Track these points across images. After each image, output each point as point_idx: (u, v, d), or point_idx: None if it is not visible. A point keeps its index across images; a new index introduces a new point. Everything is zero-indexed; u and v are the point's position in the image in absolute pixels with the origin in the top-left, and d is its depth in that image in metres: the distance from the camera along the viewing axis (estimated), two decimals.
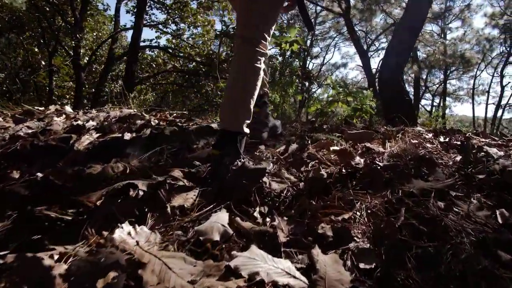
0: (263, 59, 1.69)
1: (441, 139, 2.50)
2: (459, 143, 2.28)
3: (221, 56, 12.43)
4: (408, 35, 6.99)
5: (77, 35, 11.43)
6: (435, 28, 17.96)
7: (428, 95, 22.22)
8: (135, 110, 3.25)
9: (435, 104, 21.79)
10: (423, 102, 20.89)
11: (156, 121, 2.72)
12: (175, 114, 3.37)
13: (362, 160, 1.67)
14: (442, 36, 16.71)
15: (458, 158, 1.86)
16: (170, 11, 14.52)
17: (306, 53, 16.72)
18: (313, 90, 18.16)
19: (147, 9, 15.05)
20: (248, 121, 1.67)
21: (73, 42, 12.06)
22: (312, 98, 6.68)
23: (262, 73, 1.70)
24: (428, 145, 2.24)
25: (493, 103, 18.86)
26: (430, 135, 2.76)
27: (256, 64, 1.65)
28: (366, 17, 13.53)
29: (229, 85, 1.70)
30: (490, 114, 19.09)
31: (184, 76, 14.49)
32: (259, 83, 1.70)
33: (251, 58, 1.65)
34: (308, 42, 17.95)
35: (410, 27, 6.98)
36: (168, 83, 14.90)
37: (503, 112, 17.60)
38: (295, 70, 13.34)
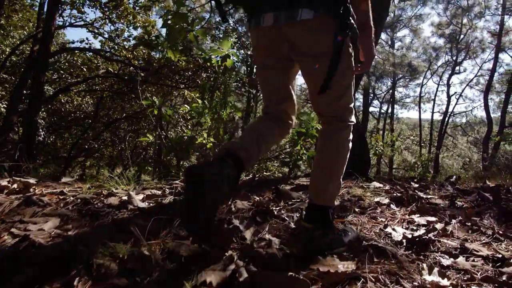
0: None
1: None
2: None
3: (161, 60, 11.38)
4: None
5: None
6: (383, 37, 17.92)
7: (376, 102, 22.38)
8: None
9: (382, 111, 21.99)
10: (371, 109, 20.96)
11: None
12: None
13: None
14: (390, 44, 16.70)
15: None
16: (105, 9, 13.24)
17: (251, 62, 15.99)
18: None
19: (81, 7, 13.69)
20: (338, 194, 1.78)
21: None
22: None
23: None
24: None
25: (438, 111, 19.33)
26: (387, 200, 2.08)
27: (349, 138, 1.68)
28: None
29: (322, 161, 1.70)
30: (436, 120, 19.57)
31: (121, 82, 13.25)
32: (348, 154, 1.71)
33: (346, 137, 1.67)
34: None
35: None
36: (102, 90, 13.56)
37: (448, 120, 17.92)
38: (241, 78, 12.59)
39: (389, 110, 21.07)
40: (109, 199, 2.07)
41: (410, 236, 1.70)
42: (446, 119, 17.65)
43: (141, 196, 2.18)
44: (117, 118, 15.00)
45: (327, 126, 1.70)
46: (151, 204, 2.07)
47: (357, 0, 1.56)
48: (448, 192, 2.92)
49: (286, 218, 1.94)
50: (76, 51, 12.91)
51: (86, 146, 15.76)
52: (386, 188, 3.04)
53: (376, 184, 3.19)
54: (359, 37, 1.61)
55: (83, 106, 15.63)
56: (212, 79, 6.09)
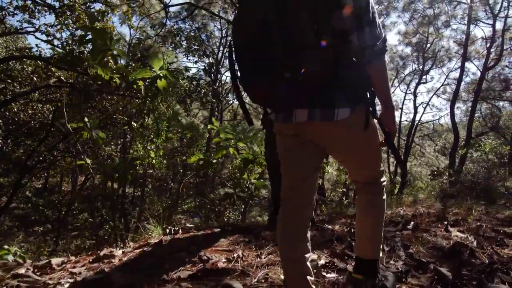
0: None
1: None
2: None
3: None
4: None
5: None
6: None
7: None
8: None
9: None
10: None
11: None
12: None
13: None
14: None
15: None
16: (59, 13, 12.37)
17: (216, 68, 15.41)
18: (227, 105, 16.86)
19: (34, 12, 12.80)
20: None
21: None
22: (196, 145, 5.26)
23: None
24: None
25: (406, 120, 19.23)
26: None
27: (385, 197, 1.87)
28: None
29: (365, 222, 1.88)
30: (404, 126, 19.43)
31: (75, 91, 12.40)
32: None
33: (382, 197, 1.85)
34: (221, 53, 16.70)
35: None
36: (56, 100, 12.68)
37: (415, 129, 17.83)
38: (203, 88, 12.01)
39: None
40: None
41: None
42: (413, 129, 17.54)
43: None
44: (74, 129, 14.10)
45: (364, 191, 1.86)
46: None
47: (381, 84, 1.58)
48: (399, 263, 2.39)
49: None
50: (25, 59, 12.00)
51: (45, 156, 14.90)
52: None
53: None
54: (382, 115, 1.65)
55: (38, 115, 14.73)
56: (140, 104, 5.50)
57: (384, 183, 1.87)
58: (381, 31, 1.51)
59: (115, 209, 5.85)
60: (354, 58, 1.52)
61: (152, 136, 4.53)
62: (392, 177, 18.12)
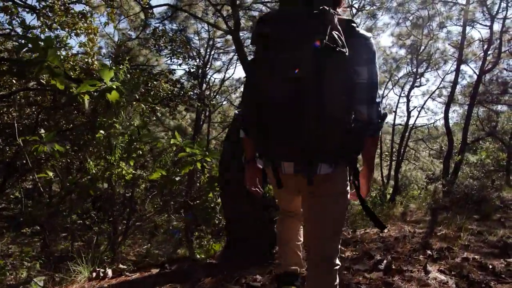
0: None
1: None
2: None
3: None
4: None
5: None
6: None
7: None
8: None
9: None
10: None
11: None
12: None
13: None
14: None
15: None
16: (40, 14, 11.93)
17: (201, 72, 14.94)
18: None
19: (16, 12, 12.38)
20: None
21: None
22: (159, 159, 4.82)
23: None
24: None
25: (400, 124, 18.72)
26: None
27: (337, 283, 1.70)
28: None
29: None
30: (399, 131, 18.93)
31: (58, 94, 11.95)
32: None
33: (334, 280, 1.70)
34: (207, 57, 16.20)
35: None
36: (38, 103, 12.22)
37: (409, 133, 17.34)
38: (187, 91, 11.56)
39: None
40: None
41: None
42: (407, 133, 17.05)
43: None
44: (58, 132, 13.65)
45: (314, 268, 1.73)
46: None
47: (371, 154, 1.73)
48: None
49: None
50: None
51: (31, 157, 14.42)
52: None
53: None
54: (365, 176, 1.77)
55: (23, 117, 14.30)
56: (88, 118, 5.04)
57: (338, 267, 1.71)
58: (382, 109, 1.63)
59: (105, 210, 5.46)
60: (355, 126, 1.55)
61: (103, 153, 4.09)
62: (385, 181, 17.71)
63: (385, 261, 2.96)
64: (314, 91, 1.38)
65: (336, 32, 1.41)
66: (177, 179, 4.58)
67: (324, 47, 1.35)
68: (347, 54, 1.39)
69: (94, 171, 4.12)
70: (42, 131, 4.61)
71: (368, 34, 1.55)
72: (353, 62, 1.47)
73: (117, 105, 3.98)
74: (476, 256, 3.52)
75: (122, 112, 4.33)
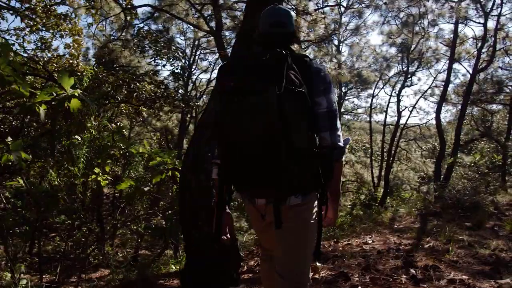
0: None
1: None
2: None
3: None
4: None
5: None
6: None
7: None
8: None
9: None
10: None
11: None
12: None
13: None
14: (337, 52, 15.54)
15: None
16: (21, 15, 11.61)
17: (187, 72, 14.62)
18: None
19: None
20: None
21: None
22: (129, 168, 4.55)
23: None
24: None
25: (391, 124, 18.39)
26: None
27: None
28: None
29: None
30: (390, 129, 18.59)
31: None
32: None
33: None
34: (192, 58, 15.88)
35: None
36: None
37: (400, 134, 17.05)
38: (171, 93, 11.27)
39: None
40: None
41: None
42: (398, 133, 16.77)
43: None
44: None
45: None
46: None
47: (337, 178, 1.79)
48: None
49: None
50: None
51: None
52: None
53: None
54: (333, 202, 1.84)
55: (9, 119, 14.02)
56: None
57: None
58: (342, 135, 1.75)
59: (92, 211, 5.21)
60: (321, 152, 1.62)
61: (65, 163, 3.81)
62: (376, 182, 17.44)
63: (360, 287, 2.70)
64: (282, 132, 1.45)
65: (293, 72, 1.52)
66: (146, 189, 4.33)
67: (283, 91, 1.44)
68: (305, 91, 1.51)
69: (56, 182, 3.85)
70: (9, 138, 4.34)
71: (321, 66, 1.67)
72: (312, 95, 1.58)
73: (80, 114, 3.70)
74: (464, 277, 3.27)
75: (92, 119, 4.06)
